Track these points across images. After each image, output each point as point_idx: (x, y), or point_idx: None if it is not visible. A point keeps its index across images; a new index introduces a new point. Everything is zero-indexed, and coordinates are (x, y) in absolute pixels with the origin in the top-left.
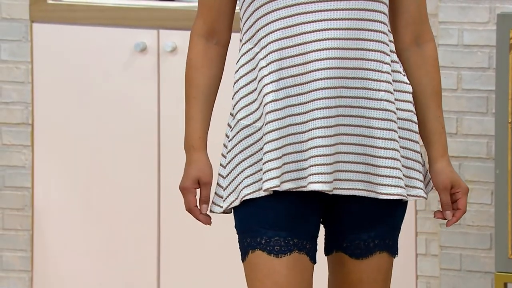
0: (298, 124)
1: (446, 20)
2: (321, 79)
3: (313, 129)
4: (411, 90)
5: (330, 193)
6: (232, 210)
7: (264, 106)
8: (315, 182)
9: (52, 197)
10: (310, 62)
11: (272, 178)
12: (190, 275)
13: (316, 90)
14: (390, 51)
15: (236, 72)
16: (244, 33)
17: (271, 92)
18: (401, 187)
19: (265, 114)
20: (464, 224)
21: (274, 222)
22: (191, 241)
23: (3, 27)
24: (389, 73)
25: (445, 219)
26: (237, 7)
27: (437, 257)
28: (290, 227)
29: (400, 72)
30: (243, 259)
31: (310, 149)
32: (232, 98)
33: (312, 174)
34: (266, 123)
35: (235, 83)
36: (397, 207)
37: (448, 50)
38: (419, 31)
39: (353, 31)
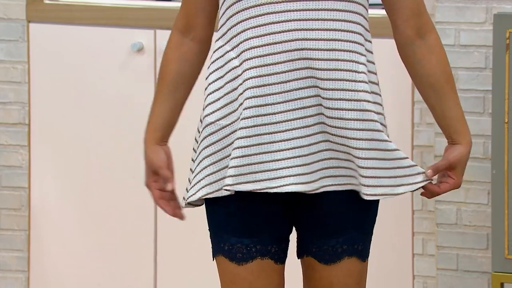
0: (271, 124)
1: (442, 20)
2: (295, 79)
3: (288, 130)
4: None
5: (308, 191)
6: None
7: (240, 105)
8: (288, 185)
9: (49, 197)
10: (281, 62)
11: (234, 176)
12: (187, 274)
13: (290, 91)
14: (366, 50)
15: (207, 68)
16: (217, 30)
17: (247, 89)
18: (383, 186)
19: (242, 110)
20: (461, 224)
21: (238, 228)
22: (188, 241)
23: (0, 27)
24: (365, 73)
25: (430, 191)
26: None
27: (434, 257)
28: (254, 232)
29: (375, 74)
30: (212, 258)
31: (283, 150)
32: (204, 94)
33: (286, 177)
34: (241, 119)
35: (206, 79)
36: (369, 211)
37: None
38: (419, 24)
39: (323, 31)
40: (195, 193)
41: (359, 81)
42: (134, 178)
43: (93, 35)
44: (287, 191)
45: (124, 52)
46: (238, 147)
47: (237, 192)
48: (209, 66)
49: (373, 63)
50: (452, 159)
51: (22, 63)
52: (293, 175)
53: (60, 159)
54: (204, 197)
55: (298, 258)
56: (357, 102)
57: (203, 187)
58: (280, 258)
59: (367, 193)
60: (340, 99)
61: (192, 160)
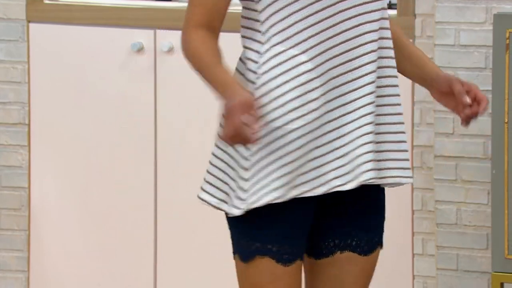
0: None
1: (442, 20)
2: (367, 94)
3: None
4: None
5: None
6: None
7: (308, 112)
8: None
9: (49, 197)
10: (358, 67)
11: (308, 181)
12: (187, 274)
13: (362, 106)
14: None
15: (263, 74)
16: (273, 35)
17: (314, 99)
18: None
19: (308, 119)
20: (461, 224)
21: (288, 231)
22: (188, 241)
23: (0, 27)
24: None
25: (467, 117)
26: (253, 9)
27: (434, 257)
28: (298, 236)
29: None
30: (244, 259)
31: (321, 156)
32: (255, 100)
33: (366, 171)
34: (313, 126)
35: (263, 84)
36: (384, 199)
37: (444, 50)
38: None
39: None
40: (260, 198)
41: (398, 95)
42: (134, 178)
43: (93, 35)
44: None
45: (124, 52)
46: (314, 158)
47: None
48: (266, 71)
49: None
50: (453, 78)
51: (22, 63)
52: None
53: (60, 159)
54: (272, 202)
55: (320, 258)
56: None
57: (271, 191)
58: (319, 255)
59: (409, 176)
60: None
61: (244, 157)
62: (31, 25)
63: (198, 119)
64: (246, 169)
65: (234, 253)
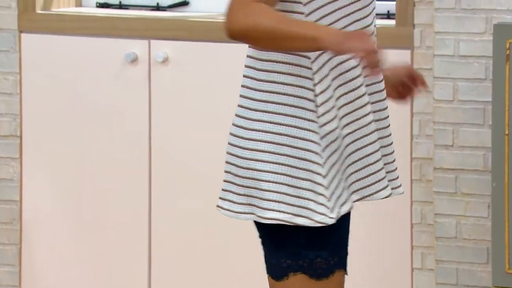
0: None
1: (442, 31)
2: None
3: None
4: None
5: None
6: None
7: (363, 117)
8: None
9: (41, 210)
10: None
11: (385, 188)
12: (181, 283)
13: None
14: None
15: (310, 79)
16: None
17: (365, 104)
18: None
19: (365, 124)
20: (461, 238)
21: (346, 239)
22: (182, 252)
23: None
24: None
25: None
26: (299, 4)
27: (433, 271)
28: (346, 243)
29: None
30: (323, 276)
31: (378, 161)
32: (319, 106)
33: (392, 180)
34: (347, 135)
35: (321, 93)
36: None
37: (444, 61)
38: None
39: None
40: (341, 207)
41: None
42: (129, 190)
43: (86, 45)
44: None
45: (118, 63)
46: (371, 163)
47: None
48: (316, 72)
49: None
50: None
51: (14, 74)
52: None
53: (53, 172)
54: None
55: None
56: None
57: (345, 201)
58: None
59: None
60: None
61: (317, 163)
62: (23, 35)
63: (192, 129)
64: (324, 176)
65: (290, 273)
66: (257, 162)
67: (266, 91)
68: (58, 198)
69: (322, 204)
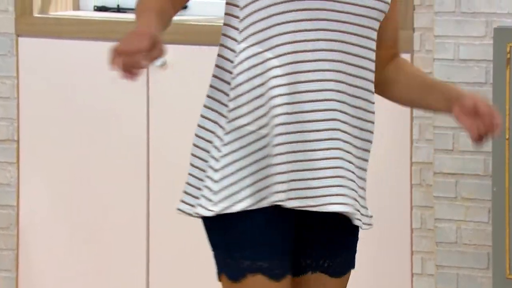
0: (311, 142)
1: (442, 34)
2: (334, 100)
3: (332, 148)
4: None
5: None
6: (209, 221)
7: (272, 118)
8: (335, 204)
9: (38, 215)
10: (324, 80)
11: (280, 192)
12: (180, 287)
13: (330, 110)
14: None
15: (238, 74)
16: (252, 34)
17: (283, 104)
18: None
19: (274, 126)
20: (461, 243)
21: (273, 244)
22: (180, 255)
23: None
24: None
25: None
26: (236, 8)
27: (433, 277)
28: (285, 249)
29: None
30: (233, 278)
31: (326, 168)
32: (231, 100)
33: (332, 195)
34: (275, 135)
35: (237, 86)
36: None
37: (444, 65)
38: (396, 52)
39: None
40: (233, 204)
41: (372, 112)
42: (127, 195)
43: (83, 49)
44: (332, 210)
45: None
46: (278, 163)
47: (262, 209)
48: (240, 73)
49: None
50: (470, 93)
51: (11, 78)
52: (336, 195)
53: (50, 177)
54: (245, 209)
55: (295, 276)
56: (370, 133)
57: (243, 198)
58: (293, 273)
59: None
60: (362, 129)
61: (213, 157)
62: (20, 39)
63: (191, 134)
64: (216, 170)
65: (219, 273)
66: (190, 157)
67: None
68: (55, 203)
69: (203, 196)
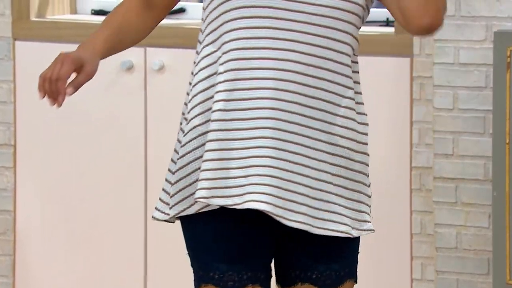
0: (242, 140)
1: (442, 38)
2: (269, 98)
3: (259, 146)
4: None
5: (275, 217)
6: (181, 222)
7: (211, 112)
8: (255, 201)
9: (35, 221)
10: (262, 78)
11: (204, 188)
12: None
13: (264, 108)
14: (354, 82)
15: (195, 75)
16: (207, 34)
17: (221, 100)
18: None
19: (211, 122)
20: (461, 248)
21: (227, 254)
22: (178, 259)
23: None
24: (351, 98)
25: None
26: (203, 10)
27: (433, 282)
28: (243, 258)
29: (363, 104)
30: (196, 286)
31: (252, 166)
32: (189, 101)
33: (254, 193)
34: (207, 141)
35: (193, 86)
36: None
37: (444, 69)
38: None
39: (315, 58)
40: (189, 207)
41: (343, 107)
42: (124, 200)
43: None
44: (248, 207)
45: (114, 71)
46: (207, 160)
47: (222, 213)
48: (197, 73)
49: (359, 83)
50: None
51: (8, 82)
52: (264, 193)
53: (47, 182)
54: (179, 215)
55: (285, 287)
56: (335, 137)
57: (176, 203)
58: (268, 286)
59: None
60: (319, 130)
61: (172, 160)
62: (17, 43)
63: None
64: (173, 173)
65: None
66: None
67: None
68: (52, 208)
69: (161, 200)
